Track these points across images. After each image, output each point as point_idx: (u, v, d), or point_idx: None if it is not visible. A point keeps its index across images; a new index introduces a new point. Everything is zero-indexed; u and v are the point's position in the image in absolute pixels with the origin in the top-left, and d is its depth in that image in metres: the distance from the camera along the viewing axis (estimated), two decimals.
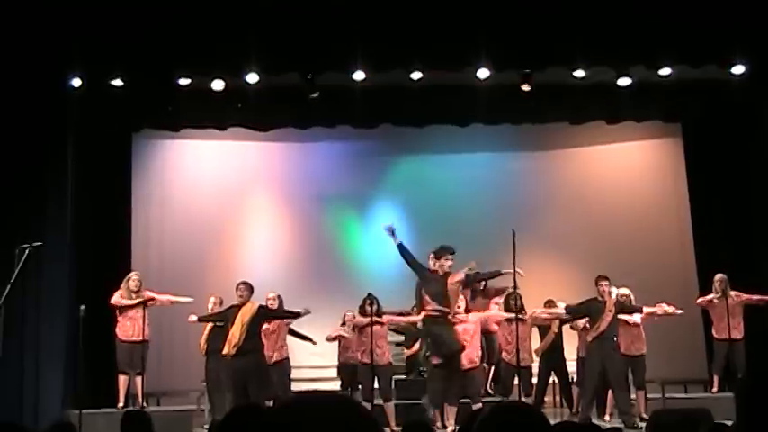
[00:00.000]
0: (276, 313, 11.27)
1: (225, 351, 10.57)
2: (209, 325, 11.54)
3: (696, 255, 13.62)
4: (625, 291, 11.23)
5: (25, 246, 8.68)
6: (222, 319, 10.95)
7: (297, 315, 11.21)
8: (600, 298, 10.94)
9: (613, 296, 10.99)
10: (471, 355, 10.63)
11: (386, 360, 11.02)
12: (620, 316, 10.98)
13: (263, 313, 10.88)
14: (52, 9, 10.77)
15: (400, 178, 14.89)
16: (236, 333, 10.52)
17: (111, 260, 12.51)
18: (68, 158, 11.66)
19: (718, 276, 11.66)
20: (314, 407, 1.71)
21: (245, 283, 10.88)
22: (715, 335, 11.73)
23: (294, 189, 14.81)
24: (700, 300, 11.84)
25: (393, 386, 11.29)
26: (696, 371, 12.16)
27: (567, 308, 11.13)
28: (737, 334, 11.50)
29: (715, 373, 11.75)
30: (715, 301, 11.63)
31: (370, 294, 10.62)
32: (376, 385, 10.93)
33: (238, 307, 10.70)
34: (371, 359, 10.78)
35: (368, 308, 11.00)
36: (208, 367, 11.62)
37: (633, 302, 11.22)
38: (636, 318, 11.19)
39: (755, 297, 11.50)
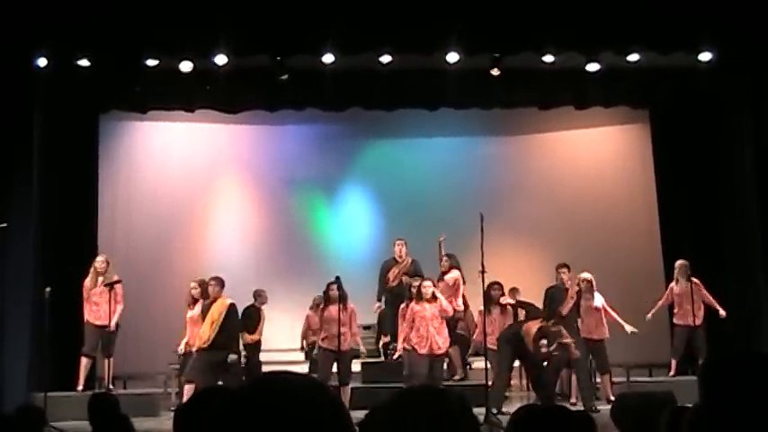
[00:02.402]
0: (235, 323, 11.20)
1: (196, 346, 10.85)
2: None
3: (662, 240, 13.72)
4: (587, 275, 11.30)
5: None
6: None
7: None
8: (561, 285, 11.21)
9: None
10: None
11: (347, 345, 10.90)
12: (585, 301, 11.12)
13: (233, 313, 11.04)
14: None
15: (369, 162, 14.89)
16: (206, 329, 10.73)
17: (76, 242, 12.41)
18: (34, 139, 11.55)
19: (680, 263, 11.81)
20: (279, 388, 1.70)
21: (215, 278, 11.03)
22: (676, 320, 11.85)
23: (263, 172, 14.77)
24: (662, 301, 11.94)
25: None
26: (660, 355, 12.27)
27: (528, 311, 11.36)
28: (698, 320, 11.64)
29: (674, 358, 11.86)
30: (676, 287, 11.77)
31: (337, 277, 10.56)
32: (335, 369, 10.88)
33: (210, 303, 10.89)
34: (337, 344, 10.77)
35: (330, 293, 10.97)
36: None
37: (595, 287, 11.28)
38: (597, 302, 11.27)
39: (711, 300, 11.66)
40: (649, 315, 11.75)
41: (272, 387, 1.68)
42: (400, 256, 12.33)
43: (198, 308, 11.24)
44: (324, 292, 11.20)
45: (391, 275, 12.23)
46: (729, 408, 2.10)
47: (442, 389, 2.41)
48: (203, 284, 11.25)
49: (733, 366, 2.18)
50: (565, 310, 10.90)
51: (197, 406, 2.68)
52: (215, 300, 10.90)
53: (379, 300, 12.38)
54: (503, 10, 11.03)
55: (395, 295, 11.85)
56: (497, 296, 11.34)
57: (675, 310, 11.86)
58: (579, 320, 11.10)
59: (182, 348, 11.54)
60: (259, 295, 12.33)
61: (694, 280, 11.67)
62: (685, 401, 4.40)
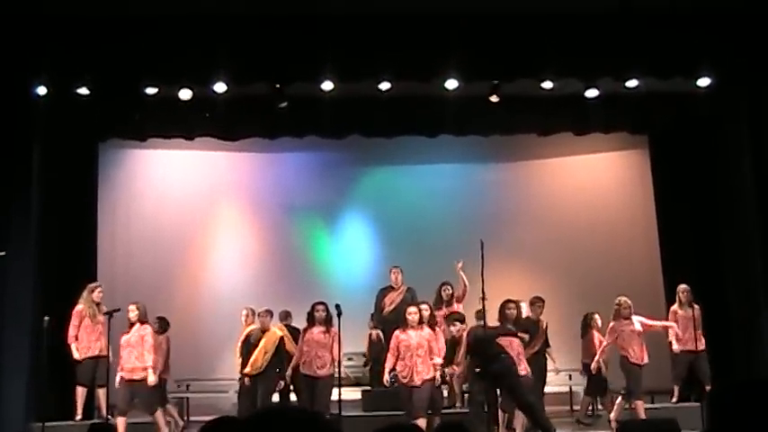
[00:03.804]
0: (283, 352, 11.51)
1: (248, 372, 11.34)
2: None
3: (663, 266, 13.71)
4: (622, 299, 11.34)
5: None
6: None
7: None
8: (534, 318, 11.51)
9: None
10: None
11: (326, 372, 10.69)
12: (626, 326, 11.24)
13: (283, 343, 11.52)
14: (18, 17, 10.66)
15: (369, 189, 14.89)
16: (259, 357, 11.31)
17: (76, 271, 12.36)
18: (33, 168, 11.53)
19: (683, 287, 11.77)
20: (279, 420, 1.69)
21: (267, 310, 11.61)
22: (678, 345, 11.73)
23: (262, 199, 14.77)
24: (673, 328, 11.77)
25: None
26: (662, 381, 12.20)
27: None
28: (701, 345, 11.59)
29: (676, 384, 11.80)
30: (679, 312, 11.71)
31: (337, 305, 10.35)
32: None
33: (262, 332, 11.44)
34: (312, 370, 10.68)
35: (316, 314, 10.78)
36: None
37: (632, 310, 11.30)
38: (637, 326, 11.24)
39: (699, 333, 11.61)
40: (676, 347, 11.64)
41: (272, 420, 1.67)
42: (396, 284, 12.30)
43: (134, 331, 10.88)
44: (308, 313, 10.97)
45: (387, 301, 12.21)
46: None
47: (412, 426, 2.40)
48: (139, 315, 10.95)
49: (740, 394, 2.16)
50: (538, 344, 11.37)
51: None
52: (266, 330, 11.39)
53: (375, 328, 12.33)
54: (502, 37, 11.06)
55: (390, 322, 11.77)
56: (512, 315, 10.64)
57: (677, 335, 11.74)
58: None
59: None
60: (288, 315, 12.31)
61: (696, 306, 11.64)
62: (688, 428, 4.38)
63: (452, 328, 10.64)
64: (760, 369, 11.47)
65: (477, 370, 10.12)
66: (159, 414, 10.90)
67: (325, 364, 10.67)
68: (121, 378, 10.71)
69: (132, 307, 10.92)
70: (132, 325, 10.89)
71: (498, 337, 10.09)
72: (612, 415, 11.21)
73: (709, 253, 12.88)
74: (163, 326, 11.89)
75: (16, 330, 10.92)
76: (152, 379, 10.64)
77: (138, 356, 10.69)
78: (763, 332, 11.61)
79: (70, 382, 11.36)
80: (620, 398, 11.39)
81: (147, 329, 10.88)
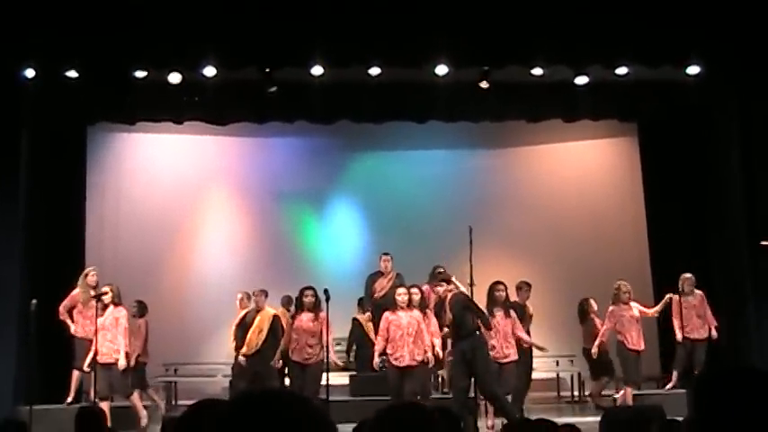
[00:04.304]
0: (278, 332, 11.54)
1: (242, 352, 11.45)
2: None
3: (651, 252, 13.76)
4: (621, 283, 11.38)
5: None
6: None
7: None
8: (521, 303, 11.43)
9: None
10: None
11: (315, 359, 10.70)
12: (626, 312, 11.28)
13: (277, 323, 11.55)
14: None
15: (358, 174, 14.87)
16: (253, 338, 11.40)
17: (64, 254, 12.36)
18: (21, 151, 11.50)
19: (687, 276, 11.67)
20: (266, 402, 1.69)
21: (263, 290, 11.68)
22: (685, 333, 11.52)
23: (251, 184, 14.74)
24: (676, 317, 11.62)
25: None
26: (649, 369, 12.25)
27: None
28: (703, 333, 11.56)
29: (676, 370, 11.73)
30: (681, 300, 11.56)
31: (326, 290, 10.35)
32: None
33: (256, 312, 11.55)
34: (302, 357, 10.73)
35: (305, 300, 10.78)
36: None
37: (631, 296, 11.36)
38: (636, 312, 11.30)
39: (710, 319, 11.59)
40: (679, 336, 11.49)
41: (259, 402, 1.67)
42: (386, 270, 12.31)
43: (108, 314, 10.79)
44: (296, 299, 11.02)
45: (378, 287, 12.20)
46: (721, 422, 2.09)
47: (419, 405, 2.41)
48: (113, 297, 10.93)
49: (725, 381, 2.17)
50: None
51: (188, 419, 2.66)
52: (260, 310, 11.48)
53: (366, 311, 12.32)
54: (492, 23, 11.05)
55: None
56: (501, 297, 10.61)
57: (680, 323, 11.53)
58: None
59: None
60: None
61: (698, 293, 11.61)
62: (674, 415, 4.40)
63: (439, 288, 10.49)
64: (746, 357, 11.53)
65: (450, 358, 10.27)
66: (135, 397, 10.88)
67: (315, 352, 10.71)
68: (96, 361, 10.58)
69: (106, 289, 10.82)
70: (106, 307, 10.79)
71: (478, 312, 10.08)
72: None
73: (696, 241, 12.93)
74: (141, 310, 11.83)
75: (4, 314, 10.90)
76: (122, 363, 10.54)
77: (111, 339, 10.60)
78: (750, 321, 11.66)
79: (59, 366, 11.35)
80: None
81: (122, 312, 10.80)
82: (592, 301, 12.01)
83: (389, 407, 2.34)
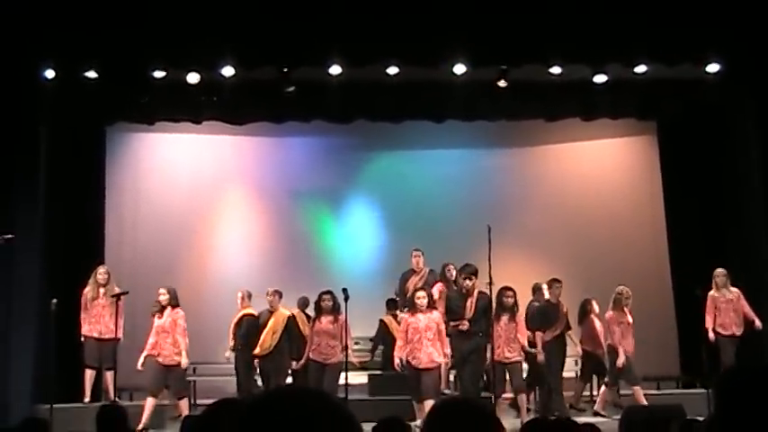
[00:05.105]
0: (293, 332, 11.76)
1: (257, 352, 11.68)
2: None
3: (670, 251, 13.70)
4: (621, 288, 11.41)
5: None
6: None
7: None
8: (553, 301, 11.49)
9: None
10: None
11: (335, 359, 10.91)
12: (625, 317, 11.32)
13: (292, 323, 11.78)
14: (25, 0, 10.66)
15: (375, 174, 14.86)
16: (267, 338, 11.61)
17: (83, 254, 12.41)
18: (41, 151, 11.55)
19: (718, 271, 11.46)
20: (291, 400, 1.69)
21: (276, 291, 11.83)
22: (721, 331, 11.32)
23: (268, 183, 14.76)
24: (709, 315, 11.38)
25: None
26: (668, 368, 12.20)
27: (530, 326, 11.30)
28: (738, 330, 11.34)
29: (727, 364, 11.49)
30: (716, 296, 11.36)
31: (344, 289, 10.47)
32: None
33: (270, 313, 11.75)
34: (322, 357, 10.93)
35: (322, 304, 11.00)
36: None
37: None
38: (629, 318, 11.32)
39: (749, 310, 11.32)
40: (711, 335, 11.27)
41: (284, 399, 1.67)
42: (417, 267, 12.27)
43: (166, 316, 11.01)
44: (315, 303, 11.23)
45: (411, 285, 12.08)
46: (745, 420, 2.08)
47: (476, 402, 2.43)
48: (169, 299, 11.08)
49: (748, 380, 2.16)
50: (560, 326, 11.43)
51: (209, 417, 2.67)
52: (274, 311, 11.66)
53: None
54: (510, 22, 11.03)
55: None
56: (509, 303, 10.71)
57: (717, 320, 11.34)
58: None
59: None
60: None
61: (734, 290, 11.39)
62: (694, 414, 4.39)
63: (468, 282, 10.58)
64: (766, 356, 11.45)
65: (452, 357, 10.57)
66: (185, 402, 11.02)
67: (335, 353, 10.93)
68: (155, 362, 10.88)
69: (163, 290, 11.08)
70: (164, 309, 11.05)
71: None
72: (597, 406, 11.26)
73: (716, 240, 12.85)
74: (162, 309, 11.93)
75: (24, 313, 10.96)
76: (184, 362, 10.90)
77: (172, 342, 10.89)
78: None
79: (78, 365, 11.42)
80: (603, 387, 11.41)
81: (180, 313, 11.03)
82: (594, 302, 11.96)
83: (444, 402, 2.37)
